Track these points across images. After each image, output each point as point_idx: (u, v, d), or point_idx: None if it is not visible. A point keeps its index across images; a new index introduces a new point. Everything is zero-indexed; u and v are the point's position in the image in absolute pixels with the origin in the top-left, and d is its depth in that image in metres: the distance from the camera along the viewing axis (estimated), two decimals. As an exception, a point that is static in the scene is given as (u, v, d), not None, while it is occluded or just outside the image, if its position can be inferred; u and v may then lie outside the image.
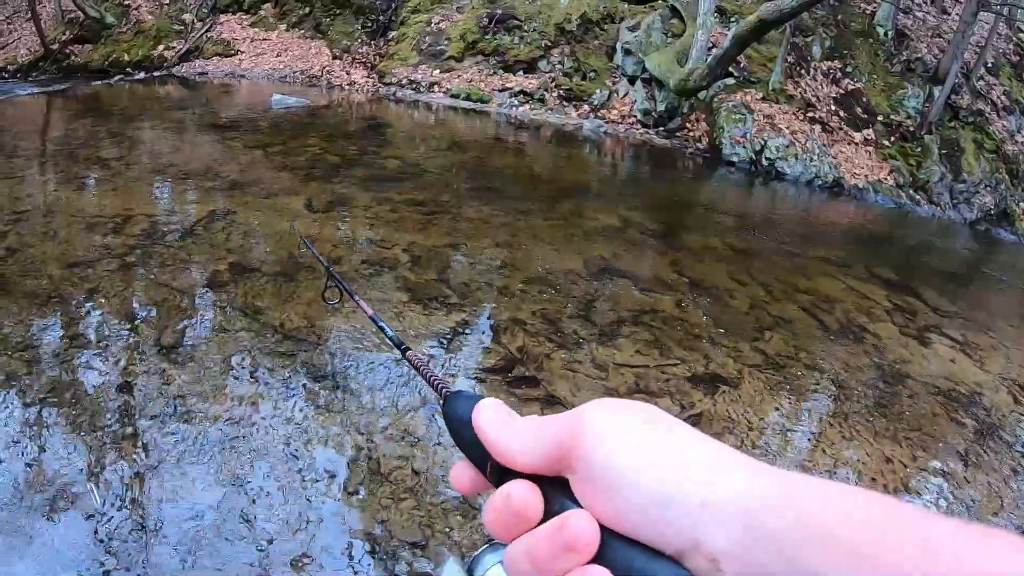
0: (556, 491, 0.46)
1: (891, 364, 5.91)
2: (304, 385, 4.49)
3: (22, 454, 3.77)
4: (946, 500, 4.35)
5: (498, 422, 0.51)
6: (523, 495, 0.46)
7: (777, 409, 4.94)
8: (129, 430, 3.99)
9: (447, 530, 3.42)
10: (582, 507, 0.43)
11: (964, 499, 4.40)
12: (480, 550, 0.60)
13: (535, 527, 0.45)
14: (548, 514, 0.45)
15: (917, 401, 5.40)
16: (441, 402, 0.62)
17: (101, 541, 3.24)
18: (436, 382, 0.69)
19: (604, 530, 0.42)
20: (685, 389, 4.89)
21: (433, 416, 4.30)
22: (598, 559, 0.42)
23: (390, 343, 0.94)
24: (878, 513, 0.35)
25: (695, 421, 4.53)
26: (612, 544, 0.42)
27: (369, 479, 3.72)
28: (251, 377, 4.55)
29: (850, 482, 4.22)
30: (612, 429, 0.44)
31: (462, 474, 0.55)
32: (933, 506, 4.29)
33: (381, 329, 1.03)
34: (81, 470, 3.66)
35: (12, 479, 3.57)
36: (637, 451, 0.42)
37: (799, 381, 5.34)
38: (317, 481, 3.68)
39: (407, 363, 0.81)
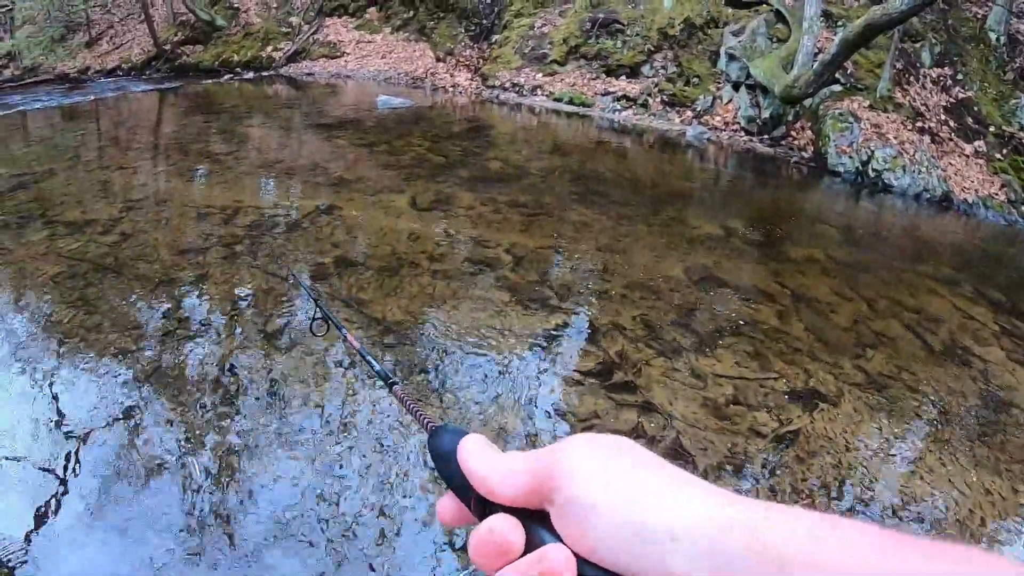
0: (536, 524, 0.48)
1: (996, 391, 5.75)
2: (403, 378, 4.67)
3: (127, 426, 4.10)
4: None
5: (480, 456, 0.53)
6: (504, 528, 0.48)
7: (876, 430, 4.89)
8: (228, 409, 4.27)
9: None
10: (561, 539, 0.46)
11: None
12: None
13: (517, 558, 0.47)
14: (530, 545, 0.47)
15: (1022, 432, 5.27)
16: (427, 436, 0.63)
17: (194, 511, 3.51)
18: (422, 417, 0.70)
19: (581, 561, 0.44)
20: (783, 404, 4.88)
21: (533, 413, 4.43)
22: None
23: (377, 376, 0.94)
24: (825, 528, 0.38)
25: (792, 438, 4.55)
26: (589, 575, 0.44)
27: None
28: (350, 367, 4.77)
29: (947, 512, 4.19)
30: (585, 464, 0.46)
31: (446, 506, 0.57)
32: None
33: (368, 363, 1.02)
34: (180, 445, 3.95)
35: (117, 448, 3.90)
36: (608, 486, 0.44)
37: (900, 403, 5.27)
38: (403, 472, 3.85)
39: (393, 398, 0.83)
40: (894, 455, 4.71)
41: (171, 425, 4.12)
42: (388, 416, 4.26)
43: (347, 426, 4.20)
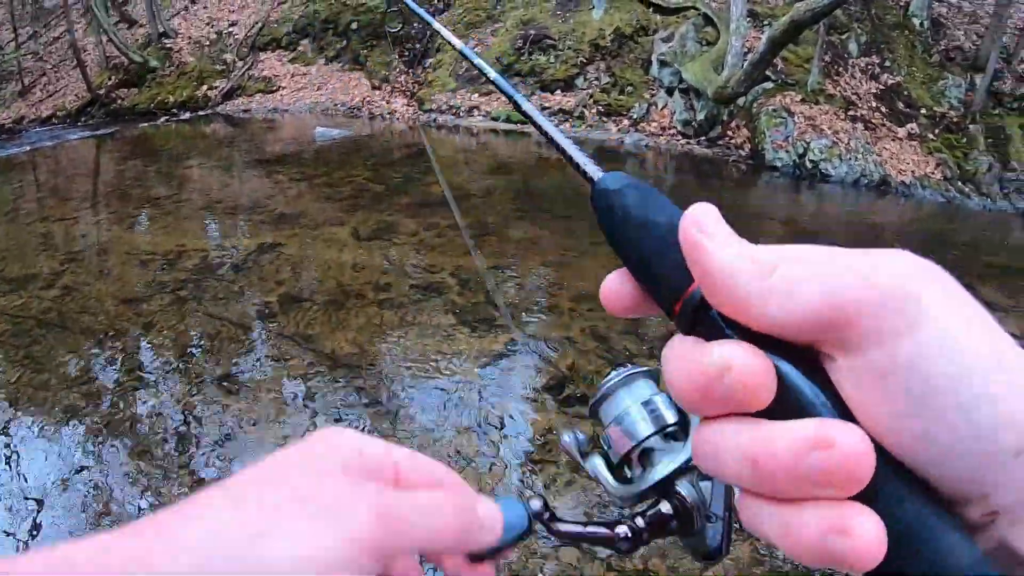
0: (783, 364, 0.33)
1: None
2: (357, 411, 4.59)
3: (83, 485, 3.94)
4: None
5: (724, 241, 0.35)
6: (757, 369, 0.32)
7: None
8: (185, 459, 4.14)
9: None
10: (830, 399, 0.32)
11: None
12: (616, 374, 0.50)
13: (752, 414, 0.33)
14: (783, 405, 0.32)
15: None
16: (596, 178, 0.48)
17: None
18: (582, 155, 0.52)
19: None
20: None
21: (487, 435, 4.35)
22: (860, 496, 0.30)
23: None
24: None
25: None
26: (882, 474, 0.30)
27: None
28: (304, 404, 4.68)
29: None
30: (949, 309, 0.31)
31: (617, 290, 0.43)
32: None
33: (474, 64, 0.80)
34: (139, 499, 3.80)
35: (73, 509, 3.74)
36: (976, 353, 0.30)
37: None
38: None
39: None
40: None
41: (130, 479, 3.99)
42: None
43: None
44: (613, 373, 0.50)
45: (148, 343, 5.56)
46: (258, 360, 5.27)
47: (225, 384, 4.89)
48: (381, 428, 4.41)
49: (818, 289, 0.31)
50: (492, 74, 0.76)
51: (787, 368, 0.33)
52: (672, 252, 0.37)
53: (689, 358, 0.34)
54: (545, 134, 0.56)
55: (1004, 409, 0.29)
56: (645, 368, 0.50)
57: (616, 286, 0.43)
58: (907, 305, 0.30)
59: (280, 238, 7.72)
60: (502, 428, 4.47)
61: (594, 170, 0.50)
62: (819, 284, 0.32)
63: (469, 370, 5.09)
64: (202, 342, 5.53)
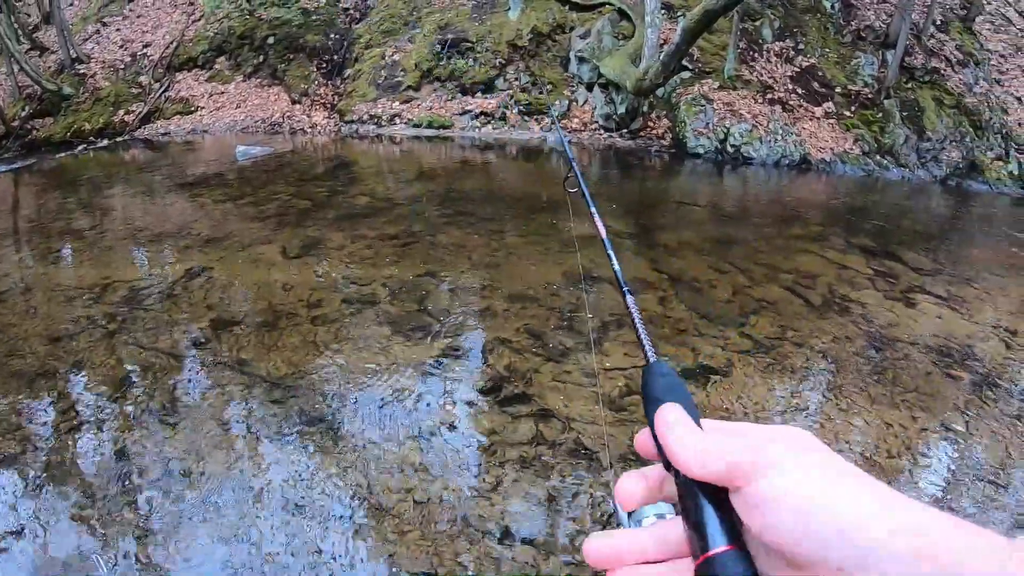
0: (709, 495, 0.52)
1: (879, 330, 5.92)
2: (298, 431, 4.46)
3: (27, 536, 3.73)
4: (951, 457, 4.35)
5: (676, 434, 0.56)
6: (625, 488, 0.60)
7: (771, 391, 4.94)
8: (130, 499, 3.96)
9: (454, 557, 3.39)
10: (734, 514, 0.51)
11: (971, 453, 4.40)
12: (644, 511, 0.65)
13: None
14: (693, 511, 0.53)
15: (910, 363, 5.41)
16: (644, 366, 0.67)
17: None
18: (645, 344, 0.72)
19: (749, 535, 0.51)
20: (677, 384, 4.86)
21: (431, 443, 4.28)
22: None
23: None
24: (1000, 545, 0.42)
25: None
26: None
27: (373, 516, 3.69)
28: (245, 429, 4.53)
29: (855, 452, 4.25)
30: (789, 471, 0.49)
31: (644, 443, 0.61)
32: (942, 463, 4.29)
33: (609, 258, 1.05)
34: (86, 545, 3.62)
35: (19, 563, 3.54)
36: (812, 496, 0.47)
37: (790, 360, 5.34)
38: (322, 525, 3.64)
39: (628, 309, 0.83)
40: (793, 410, 4.77)
41: (75, 525, 3.78)
42: (302, 479, 4.02)
43: (260, 492, 3.94)
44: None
45: (81, 381, 5.33)
46: (195, 389, 5.09)
47: (163, 417, 4.71)
48: (324, 446, 4.28)
49: (724, 460, 0.52)
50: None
51: (704, 497, 0.53)
52: None
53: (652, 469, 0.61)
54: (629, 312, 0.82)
55: (818, 529, 0.46)
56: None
57: (643, 439, 0.61)
58: (769, 463, 0.50)
59: (208, 262, 7.51)
60: (446, 435, 4.40)
61: (651, 353, 0.71)
62: (724, 455, 0.52)
63: (408, 379, 5.00)
64: (136, 375, 5.33)
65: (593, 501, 3.78)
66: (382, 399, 4.76)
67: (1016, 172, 13.94)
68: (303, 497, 3.85)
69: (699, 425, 0.57)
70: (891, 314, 6.24)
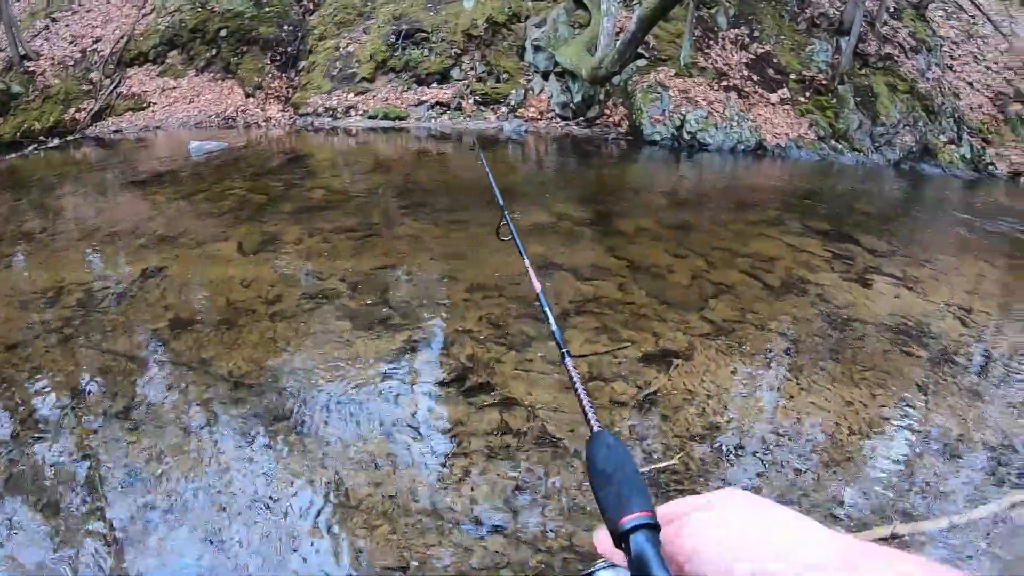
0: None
1: (837, 311, 5.99)
2: (263, 429, 4.38)
3: None
4: (912, 431, 4.41)
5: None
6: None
7: (733, 373, 4.96)
8: (96, 505, 3.86)
9: (425, 549, 3.36)
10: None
11: (930, 427, 4.46)
12: (598, 565, 0.69)
13: None
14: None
15: (868, 341, 5.48)
16: (589, 436, 0.69)
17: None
18: (588, 410, 0.75)
19: None
20: (638, 369, 4.88)
21: (396, 436, 4.23)
22: None
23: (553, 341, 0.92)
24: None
25: (653, 399, 4.55)
26: None
27: (341, 512, 3.64)
28: (208, 430, 4.43)
29: (817, 431, 4.29)
30: (724, 508, 0.60)
31: (602, 542, 0.67)
32: (902, 438, 4.34)
33: (545, 315, 1.05)
34: (54, 555, 3.52)
35: None
36: (724, 538, 0.57)
37: (750, 343, 5.38)
38: (291, 523, 3.58)
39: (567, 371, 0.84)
40: (755, 392, 4.81)
41: (41, 533, 3.67)
42: (268, 477, 3.94)
43: (227, 492, 3.85)
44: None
45: (39, 389, 5.17)
46: (156, 391, 4.97)
47: (125, 421, 4.59)
48: (291, 443, 4.21)
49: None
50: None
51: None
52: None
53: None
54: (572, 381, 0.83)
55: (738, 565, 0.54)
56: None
57: (601, 538, 0.67)
58: (685, 557, 0.58)
59: (164, 261, 7.35)
60: (413, 428, 4.36)
61: (594, 422, 0.72)
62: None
63: (371, 373, 4.94)
64: (95, 380, 5.18)
65: (560, 487, 3.77)
66: (347, 394, 4.70)
67: (968, 155, 14.21)
68: (270, 496, 3.78)
69: (649, 506, 0.63)
70: (848, 295, 6.31)
